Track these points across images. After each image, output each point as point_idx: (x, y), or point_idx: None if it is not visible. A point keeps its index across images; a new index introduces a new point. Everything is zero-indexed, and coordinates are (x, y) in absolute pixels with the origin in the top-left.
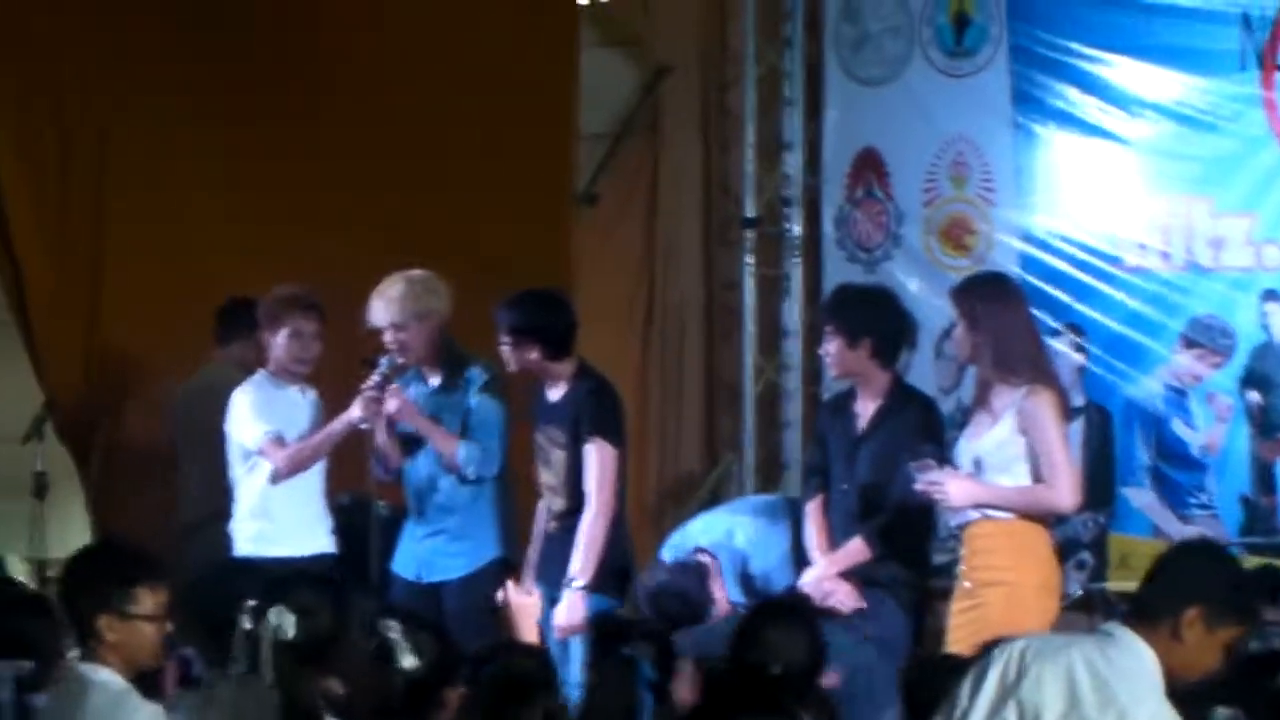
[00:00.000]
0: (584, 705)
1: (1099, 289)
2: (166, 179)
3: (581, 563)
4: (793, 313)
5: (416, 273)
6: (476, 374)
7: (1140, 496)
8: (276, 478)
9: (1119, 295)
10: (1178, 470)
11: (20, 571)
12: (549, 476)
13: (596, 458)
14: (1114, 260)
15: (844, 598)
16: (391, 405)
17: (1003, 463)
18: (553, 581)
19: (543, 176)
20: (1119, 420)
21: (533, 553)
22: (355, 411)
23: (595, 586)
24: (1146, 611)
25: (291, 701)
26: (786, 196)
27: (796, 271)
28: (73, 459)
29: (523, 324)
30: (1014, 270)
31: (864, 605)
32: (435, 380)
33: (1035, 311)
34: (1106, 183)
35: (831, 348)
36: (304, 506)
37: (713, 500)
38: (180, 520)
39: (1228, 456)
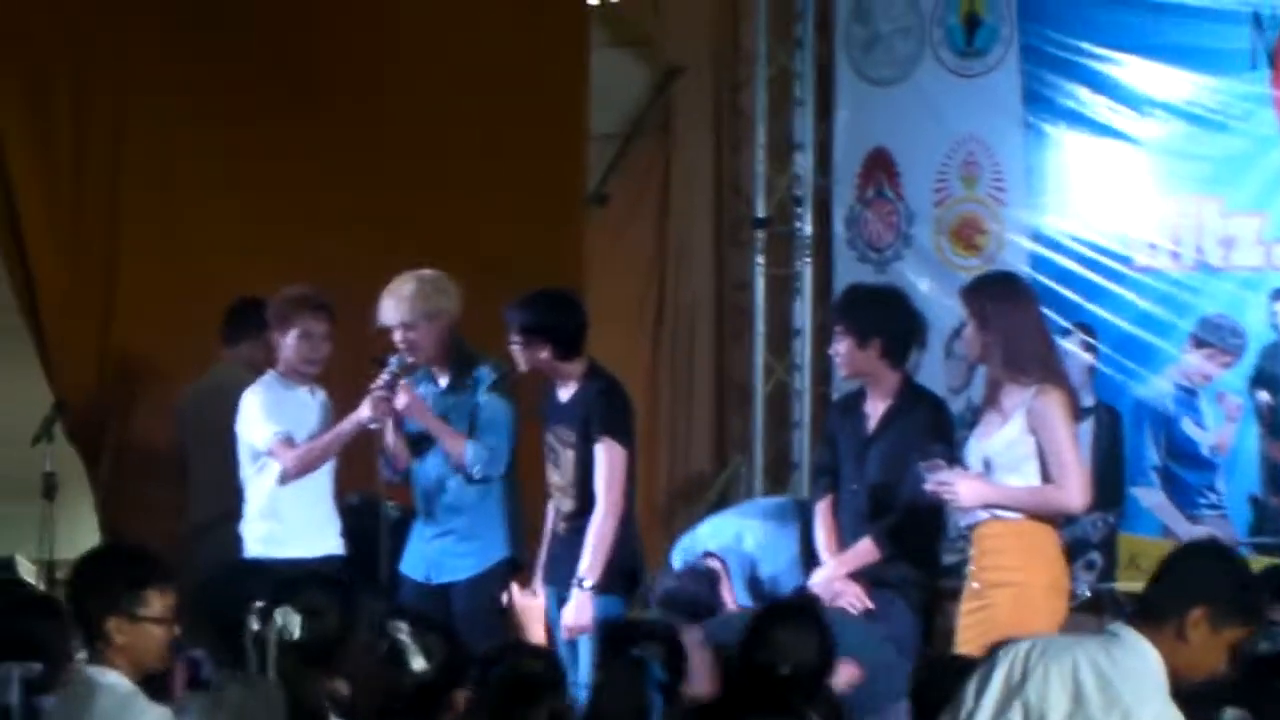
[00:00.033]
0: (592, 706)
1: (1109, 289)
2: (173, 180)
3: (590, 563)
4: (803, 313)
5: (427, 272)
6: (485, 373)
7: (1150, 496)
8: (285, 478)
9: (1129, 295)
10: (1187, 470)
11: (29, 573)
12: (558, 477)
13: (606, 458)
14: (1124, 260)
15: (853, 598)
16: (401, 401)
17: (1012, 462)
18: (561, 582)
19: (553, 177)
20: (1128, 420)
21: (542, 553)
22: (364, 411)
23: (604, 587)
24: (1152, 612)
25: (297, 702)
26: (797, 196)
27: (807, 271)
28: (82, 460)
29: (533, 324)
30: (1024, 270)
31: (872, 606)
32: (445, 380)
33: (1045, 311)
34: (1117, 182)
35: (841, 348)
36: (313, 507)
37: (723, 499)
38: (190, 521)
39: (1237, 456)
